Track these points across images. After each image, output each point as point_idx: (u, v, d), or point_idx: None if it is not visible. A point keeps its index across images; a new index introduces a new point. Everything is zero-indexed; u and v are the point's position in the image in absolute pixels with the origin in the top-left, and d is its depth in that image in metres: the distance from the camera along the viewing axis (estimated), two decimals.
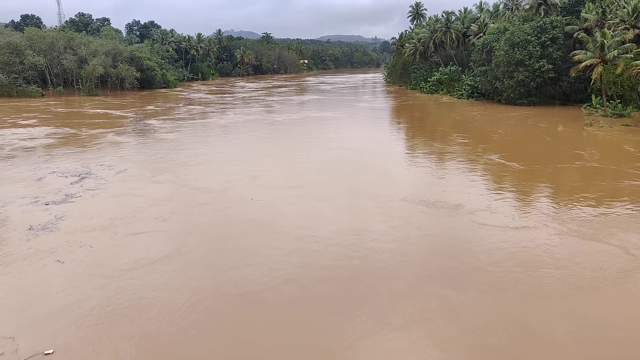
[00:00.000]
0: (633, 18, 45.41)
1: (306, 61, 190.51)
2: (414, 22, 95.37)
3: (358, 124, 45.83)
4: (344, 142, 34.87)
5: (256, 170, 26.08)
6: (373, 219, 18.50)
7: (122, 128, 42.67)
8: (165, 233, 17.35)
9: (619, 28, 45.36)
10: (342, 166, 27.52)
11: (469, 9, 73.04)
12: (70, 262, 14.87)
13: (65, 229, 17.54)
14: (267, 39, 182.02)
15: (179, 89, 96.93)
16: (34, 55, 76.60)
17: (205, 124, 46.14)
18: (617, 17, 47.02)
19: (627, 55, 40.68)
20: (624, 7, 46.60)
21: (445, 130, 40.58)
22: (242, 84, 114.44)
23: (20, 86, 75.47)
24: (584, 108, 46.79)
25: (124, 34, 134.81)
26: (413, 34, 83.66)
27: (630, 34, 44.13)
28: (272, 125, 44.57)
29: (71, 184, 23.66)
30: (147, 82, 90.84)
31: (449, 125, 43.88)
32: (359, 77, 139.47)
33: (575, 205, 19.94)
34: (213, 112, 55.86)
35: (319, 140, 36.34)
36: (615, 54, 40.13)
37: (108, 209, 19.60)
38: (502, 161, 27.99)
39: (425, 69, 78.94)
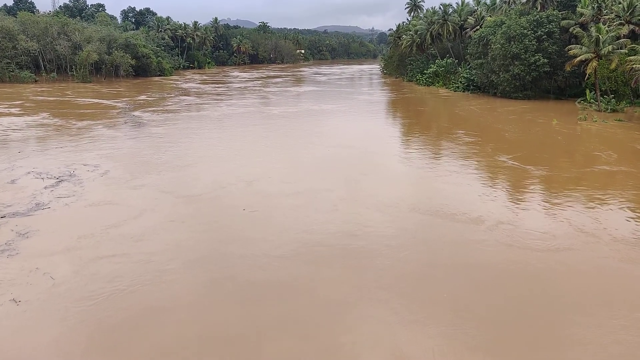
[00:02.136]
0: (628, 14, 45.58)
1: (303, 51, 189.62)
2: (412, 14, 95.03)
3: (358, 119, 44.34)
4: (344, 139, 32.90)
5: (251, 173, 23.71)
6: (382, 238, 16.00)
7: (111, 120, 40.64)
8: (136, 258, 14.47)
9: (614, 23, 45.53)
10: (345, 168, 25.12)
11: (466, 1, 72.86)
12: (27, 303, 11.99)
13: (27, 252, 14.76)
14: (263, 28, 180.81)
15: (174, 77, 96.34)
16: (26, 41, 75.80)
17: (198, 117, 43.77)
18: (612, 13, 47.18)
19: (621, 50, 40.87)
20: (620, 3, 46.74)
21: (449, 127, 39.21)
22: (236, 73, 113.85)
23: (12, 72, 74.75)
24: (578, 102, 47.07)
25: (119, 20, 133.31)
26: (410, 25, 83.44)
27: (625, 30, 44.32)
28: (268, 120, 42.40)
29: (46, 188, 21.01)
30: (142, 70, 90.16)
31: (451, 121, 42.87)
32: (355, 68, 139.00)
33: (621, 219, 17.75)
34: (206, 103, 54.19)
35: (318, 137, 34.16)
36: (610, 49, 40.32)
37: (79, 224, 17.00)
38: (516, 164, 25.71)
39: (422, 61, 78.89)
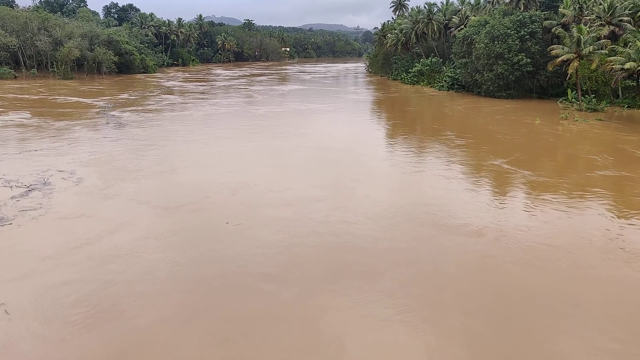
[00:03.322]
0: (609, 15, 46.51)
1: (288, 49, 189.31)
2: (397, 13, 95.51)
3: (345, 119, 43.51)
4: (333, 141, 31.61)
5: (235, 180, 22.01)
6: (382, 255, 14.62)
7: (90, 120, 38.72)
8: (104, 285, 12.63)
9: (595, 24, 46.44)
10: (336, 174, 23.44)
11: (450, 1, 73.53)
12: None
13: None
14: (249, 25, 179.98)
15: (158, 74, 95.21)
16: (5, 36, 74.21)
17: (180, 118, 41.63)
18: (593, 14, 48.09)
19: (602, 51, 41.70)
20: (601, 4, 47.66)
21: (439, 128, 38.35)
22: (221, 71, 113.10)
23: None
24: (560, 102, 47.89)
25: (102, 16, 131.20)
26: (395, 24, 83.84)
27: (605, 30, 45.21)
28: (254, 120, 40.73)
29: (13, 198, 19.01)
30: (125, 67, 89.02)
31: (440, 121, 42.50)
32: (340, 67, 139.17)
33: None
34: (190, 103, 52.79)
35: (306, 138, 32.92)
36: (591, 50, 41.10)
37: (45, 242, 15.06)
38: (513, 168, 24.58)
39: (407, 59, 79.34)
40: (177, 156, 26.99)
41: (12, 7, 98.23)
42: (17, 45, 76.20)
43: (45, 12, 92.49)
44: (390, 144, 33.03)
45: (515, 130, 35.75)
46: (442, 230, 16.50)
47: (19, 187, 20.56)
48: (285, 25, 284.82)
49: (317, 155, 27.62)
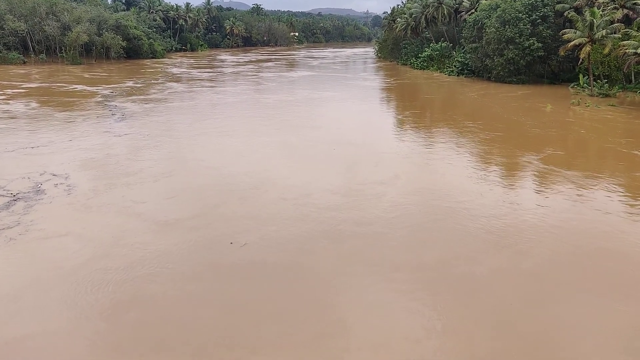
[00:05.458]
0: None
1: (297, 34, 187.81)
2: None
3: (360, 108, 40.77)
4: (350, 135, 28.99)
5: (243, 185, 19.34)
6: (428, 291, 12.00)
7: (92, 112, 36.50)
8: (73, 341, 10.14)
9: (609, 8, 45.39)
10: (358, 178, 20.56)
11: None
12: None
13: None
14: (257, 10, 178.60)
15: (166, 60, 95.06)
16: (14, 21, 74.33)
17: (186, 109, 39.12)
18: None
19: (615, 35, 40.81)
20: None
21: (458, 118, 35.33)
22: (229, 57, 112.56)
23: (0, 52, 73.42)
24: (571, 87, 47.15)
25: (109, 1, 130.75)
26: (405, 8, 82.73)
27: (619, 14, 44.21)
28: (263, 110, 38.40)
29: None
30: (133, 52, 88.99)
31: (457, 110, 40.42)
32: (348, 52, 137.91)
33: None
34: (196, 91, 50.79)
35: (321, 132, 30.23)
36: (604, 34, 40.24)
37: (15, 276, 12.42)
38: (551, 168, 22.05)
39: (416, 44, 78.39)
40: (179, 155, 24.41)
41: None
42: (26, 30, 76.36)
43: None
44: (411, 137, 29.68)
45: (538, 120, 33.55)
46: (511, 257, 13.75)
47: (4, 195, 17.91)
48: (294, 10, 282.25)
49: (334, 152, 24.79)
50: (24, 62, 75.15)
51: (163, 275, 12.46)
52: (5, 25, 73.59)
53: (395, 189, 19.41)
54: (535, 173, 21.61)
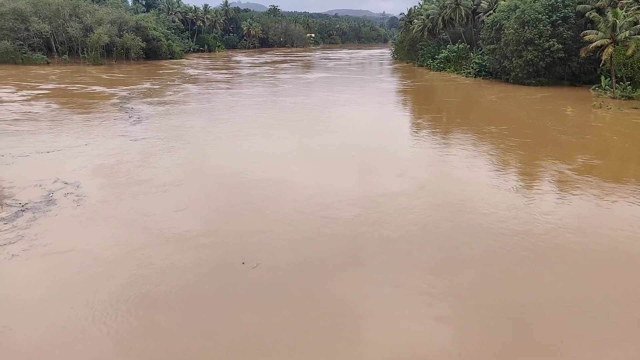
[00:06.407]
0: None
1: (313, 35, 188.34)
2: None
3: (379, 112, 40.21)
4: (370, 140, 28.13)
5: (257, 196, 18.35)
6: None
7: (108, 114, 36.26)
8: None
9: (632, 8, 44.52)
10: (379, 186, 19.53)
11: None
12: None
13: None
14: (274, 11, 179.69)
15: (184, 60, 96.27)
16: (39, 22, 76.13)
17: (201, 111, 38.96)
18: None
19: (638, 36, 40.08)
20: None
21: (480, 123, 34.03)
22: (246, 58, 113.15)
23: (25, 53, 75.31)
24: (593, 89, 46.40)
25: (130, 2, 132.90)
26: (422, 10, 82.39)
27: None
28: (281, 114, 37.82)
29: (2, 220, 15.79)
30: (152, 53, 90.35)
31: (479, 114, 39.24)
32: (364, 53, 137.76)
33: None
34: (212, 93, 50.59)
35: (340, 137, 29.06)
36: (627, 35, 39.55)
37: (13, 299, 11.58)
38: (587, 177, 20.85)
39: (433, 46, 78.02)
40: (192, 162, 23.58)
41: None
42: (50, 31, 78.15)
43: None
44: (432, 143, 28.42)
45: (564, 125, 32.44)
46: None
47: (12, 205, 17.06)
48: (310, 11, 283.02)
49: (352, 159, 23.89)
50: (48, 63, 76.91)
51: (168, 302, 11.45)
52: (30, 27, 75.42)
53: (421, 201, 18.07)
54: (572, 184, 20.18)
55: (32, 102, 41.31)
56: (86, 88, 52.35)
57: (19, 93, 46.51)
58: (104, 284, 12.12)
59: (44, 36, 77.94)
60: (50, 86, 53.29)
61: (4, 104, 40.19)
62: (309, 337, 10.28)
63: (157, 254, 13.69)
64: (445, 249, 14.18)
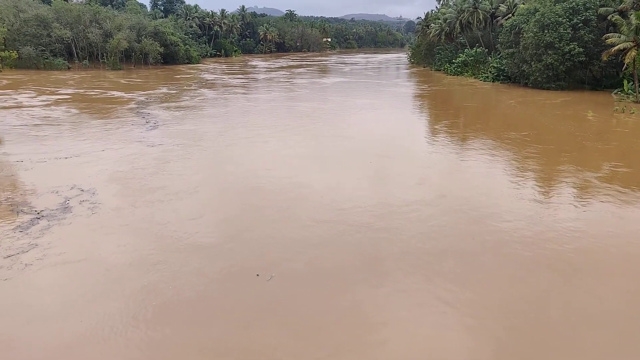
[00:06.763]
0: None
1: (329, 39, 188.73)
2: (441, 2, 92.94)
3: (397, 117, 39.81)
4: (389, 146, 27.76)
5: (273, 204, 18.02)
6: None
7: (125, 119, 36.49)
8: None
9: None
10: (398, 195, 18.96)
11: None
12: None
13: None
14: (290, 16, 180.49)
15: (201, 65, 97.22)
16: (60, 28, 77.83)
17: (217, 116, 39.04)
18: None
19: None
20: None
21: (500, 128, 33.67)
22: (262, 63, 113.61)
23: (47, 59, 76.99)
24: (615, 94, 45.35)
25: (149, 8, 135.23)
26: (439, 14, 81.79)
27: None
28: (297, 119, 37.49)
29: (15, 229, 15.59)
30: (170, 57, 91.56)
31: (499, 120, 38.34)
32: (380, 57, 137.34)
33: None
34: (228, 98, 50.84)
35: (359, 143, 28.62)
36: None
37: (21, 316, 11.21)
38: (618, 187, 19.86)
39: (450, 50, 77.34)
40: (210, 169, 23.48)
41: (66, 0, 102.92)
42: (71, 37, 79.81)
43: (97, 5, 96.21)
44: (452, 149, 27.58)
45: (588, 131, 31.66)
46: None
47: (28, 213, 16.98)
48: (326, 16, 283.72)
49: (370, 166, 23.63)
50: (69, 68, 78.50)
51: (179, 316, 11.14)
52: (52, 33, 77.15)
53: (443, 212, 17.31)
54: (599, 193, 19.37)
55: (52, 107, 41.95)
56: (105, 93, 53.10)
57: (39, 98, 47.34)
58: (114, 297, 11.91)
59: (65, 42, 79.63)
60: (69, 91, 54.14)
61: (25, 108, 40.97)
62: (324, 350, 10.09)
63: (170, 266, 13.43)
64: (467, 258, 13.79)
